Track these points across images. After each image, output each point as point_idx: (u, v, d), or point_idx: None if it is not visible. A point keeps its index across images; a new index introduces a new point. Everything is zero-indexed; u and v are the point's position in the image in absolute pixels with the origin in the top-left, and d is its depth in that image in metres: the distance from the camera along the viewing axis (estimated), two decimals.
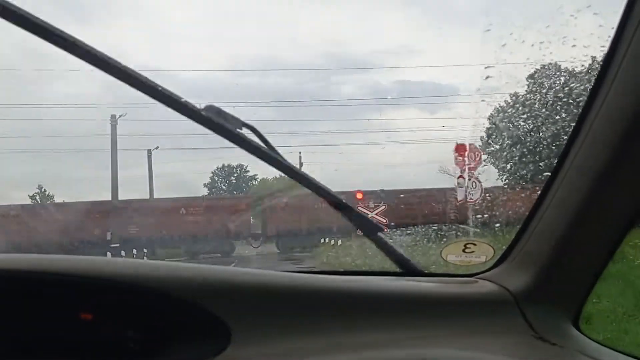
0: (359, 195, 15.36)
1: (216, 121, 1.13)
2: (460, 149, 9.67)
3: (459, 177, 9.57)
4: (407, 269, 1.32)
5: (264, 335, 1.05)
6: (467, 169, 9.52)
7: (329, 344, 1.06)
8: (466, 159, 9.54)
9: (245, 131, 1.20)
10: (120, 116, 22.73)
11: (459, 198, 9.49)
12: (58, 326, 1.03)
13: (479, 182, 9.58)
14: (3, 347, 1.02)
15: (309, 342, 1.06)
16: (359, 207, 12.75)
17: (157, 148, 27.40)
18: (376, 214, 12.39)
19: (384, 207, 13.16)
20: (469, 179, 9.42)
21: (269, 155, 1.20)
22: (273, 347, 1.04)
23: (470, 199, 9.32)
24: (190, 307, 1.04)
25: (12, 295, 1.03)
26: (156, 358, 1.03)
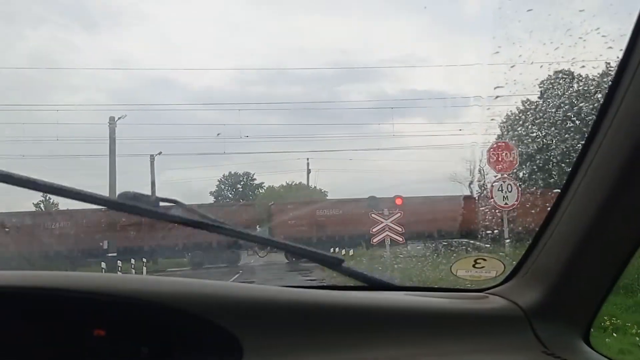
0: (399, 201, 14.78)
1: (133, 204, 1.17)
2: (496, 149, 9.01)
3: (495, 181, 8.88)
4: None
5: (275, 351, 1.06)
6: (502, 170, 8.86)
7: None
8: (502, 159, 8.93)
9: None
10: (119, 118, 21.54)
11: (498, 202, 8.71)
12: (72, 342, 1.04)
13: (515, 185, 8.93)
14: None
15: (319, 358, 1.06)
16: (373, 215, 12.25)
17: (160, 153, 25.95)
18: (392, 222, 12.00)
19: (399, 214, 12.46)
20: (504, 182, 8.81)
21: (195, 221, 1.22)
22: None
23: (506, 204, 8.67)
24: (203, 323, 1.05)
25: (25, 312, 1.04)
26: None
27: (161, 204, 1.19)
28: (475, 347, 1.14)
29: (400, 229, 12.00)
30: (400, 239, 11.90)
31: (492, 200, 8.74)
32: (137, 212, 1.18)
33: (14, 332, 1.03)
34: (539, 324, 1.17)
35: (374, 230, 12.11)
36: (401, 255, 10.74)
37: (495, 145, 9.22)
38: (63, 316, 1.05)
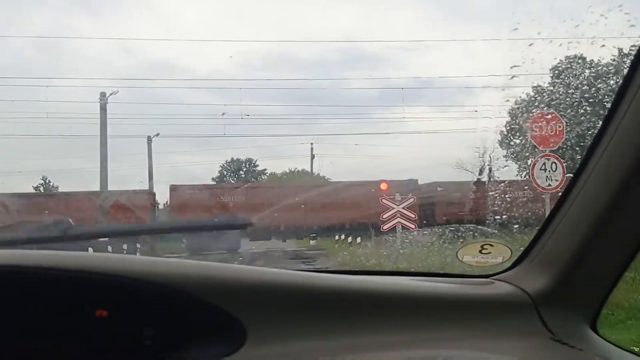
0: (384, 186, 13.87)
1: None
2: (539, 119, 7.43)
3: (543, 156, 7.29)
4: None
5: (279, 334, 1.05)
6: (546, 145, 7.29)
7: (343, 344, 1.07)
8: (546, 131, 7.29)
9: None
10: (111, 94, 19.44)
11: (541, 184, 7.19)
12: (74, 323, 1.04)
13: (560, 163, 7.29)
14: (20, 343, 1.03)
15: (323, 342, 1.06)
16: (384, 200, 11.66)
17: (157, 135, 23.70)
18: (404, 208, 11.47)
19: (412, 200, 11.92)
20: (547, 160, 7.23)
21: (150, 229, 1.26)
22: (287, 347, 1.04)
23: (549, 185, 7.10)
24: (206, 305, 1.05)
25: (27, 291, 1.04)
26: (172, 355, 1.04)
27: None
28: (481, 333, 1.14)
29: (412, 215, 11.56)
30: (412, 226, 11.33)
31: (533, 181, 7.30)
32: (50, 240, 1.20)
33: (16, 311, 1.03)
34: (546, 310, 1.16)
35: (384, 216, 11.64)
36: (407, 241, 10.69)
37: (538, 115, 7.70)
38: (65, 296, 1.05)
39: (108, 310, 1.04)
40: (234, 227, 1.34)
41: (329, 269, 1.44)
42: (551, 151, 7.38)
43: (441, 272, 1.37)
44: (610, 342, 1.16)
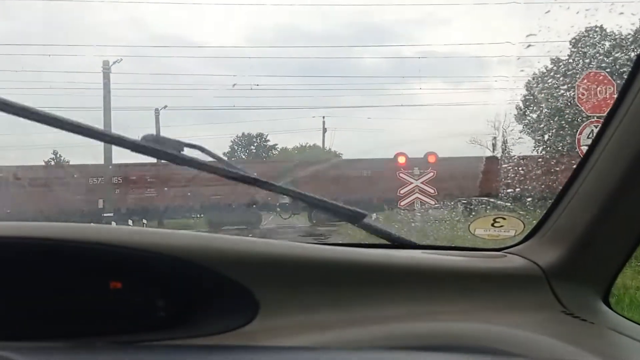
0: (402, 160, 12.99)
1: (156, 148, 1.16)
2: (588, 80, 6.62)
3: (591, 122, 6.51)
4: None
5: (291, 306, 1.06)
6: (594, 111, 6.50)
7: (355, 317, 1.07)
8: (595, 95, 6.53)
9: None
10: (114, 62, 18.50)
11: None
12: (88, 294, 1.05)
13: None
14: (33, 315, 1.04)
15: (335, 314, 1.07)
16: (401, 174, 11.14)
17: (165, 107, 23.12)
18: (422, 182, 10.92)
19: (431, 174, 11.15)
20: (596, 127, 5.66)
21: (220, 169, 1.21)
22: (300, 319, 1.05)
23: None
24: (219, 277, 1.05)
25: (40, 262, 1.05)
26: (185, 327, 1.05)
27: (185, 149, 1.18)
28: (493, 306, 1.14)
29: (432, 191, 10.90)
30: (432, 202, 10.73)
31: (580, 151, 6.57)
32: (161, 156, 1.17)
33: (29, 283, 1.04)
34: (558, 284, 1.16)
35: (402, 192, 11.05)
36: (418, 214, 10.55)
37: (587, 76, 6.83)
38: (79, 268, 1.06)
39: (122, 282, 1.05)
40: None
41: (339, 242, 1.45)
42: (599, 117, 6.51)
43: (454, 245, 1.37)
44: (622, 315, 1.16)
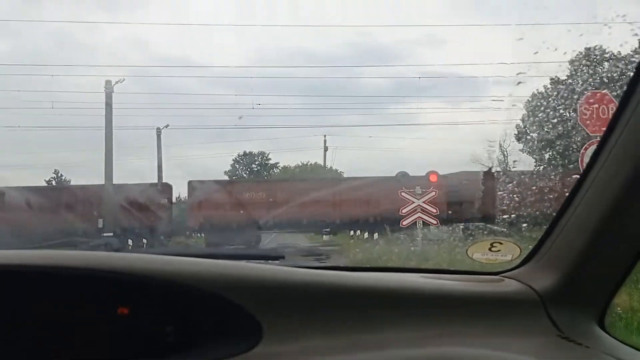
0: (433, 178, 12.96)
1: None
2: (590, 101, 6.43)
3: (591, 143, 6.32)
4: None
5: (295, 332, 1.08)
6: (597, 131, 6.32)
7: (355, 341, 1.09)
8: (598, 115, 6.37)
9: None
10: (117, 82, 18.46)
11: None
12: (96, 320, 1.07)
13: None
14: (41, 342, 1.06)
15: (337, 339, 1.09)
16: (403, 193, 10.95)
17: (167, 126, 23.18)
18: (424, 202, 10.76)
19: (433, 193, 11.02)
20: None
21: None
22: (303, 344, 1.06)
23: None
24: (224, 303, 1.07)
25: (49, 290, 1.08)
26: (191, 352, 1.06)
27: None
28: (489, 330, 1.15)
29: (434, 210, 10.73)
30: (434, 222, 10.61)
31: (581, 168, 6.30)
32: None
33: (39, 310, 1.06)
34: (554, 308, 1.17)
35: (403, 211, 10.89)
36: (417, 238, 10.41)
37: (589, 96, 6.84)
38: (87, 295, 1.08)
39: (129, 308, 1.07)
40: (269, 258, 1.39)
41: (341, 266, 1.49)
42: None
43: (452, 269, 1.40)
44: (617, 339, 1.16)
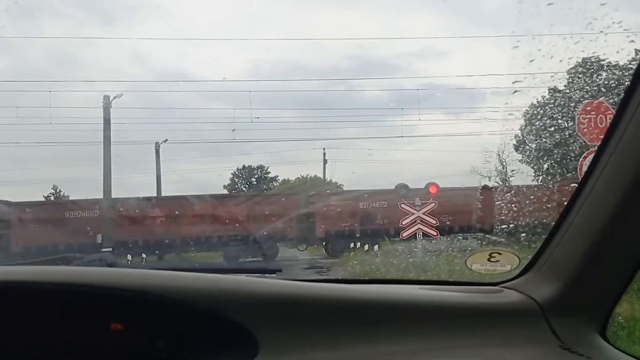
0: (433, 190, 12.94)
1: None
2: (587, 110, 6.54)
3: (590, 153, 6.28)
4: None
5: (291, 346, 1.06)
6: (595, 140, 6.34)
7: (354, 355, 1.08)
8: (596, 125, 6.42)
9: None
10: (114, 97, 18.49)
11: None
12: (89, 336, 1.06)
13: None
14: (37, 357, 1.05)
15: (334, 353, 1.07)
16: (403, 205, 11.05)
17: (165, 141, 23.04)
18: (424, 213, 10.82)
19: (433, 204, 11.07)
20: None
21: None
22: (299, 358, 1.05)
23: None
24: (219, 318, 1.06)
25: (44, 306, 1.07)
26: None
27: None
28: (490, 341, 1.14)
29: (433, 221, 10.80)
30: (434, 233, 10.68)
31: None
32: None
33: (33, 326, 1.06)
34: (555, 319, 1.17)
35: (403, 222, 10.96)
36: (415, 250, 10.44)
37: (586, 104, 6.86)
38: (81, 310, 1.07)
39: (123, 324, 1.06)
40: (264, 272, 1.40)
41: (339, 279, 1.47)
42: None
43: (451, 280, 1.39)
44: (620, 350, 1.15)
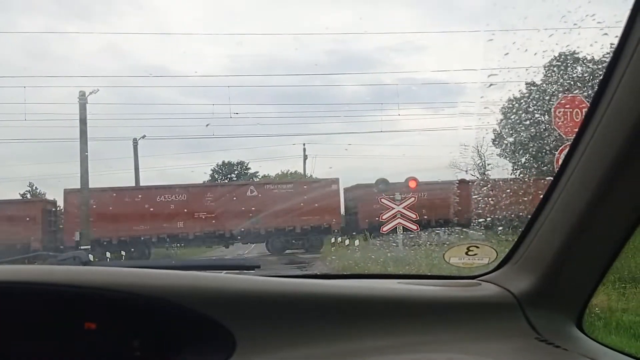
0: (413, 184, 13.04)
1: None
2: (564, 104, 6.63)
3: (562, 149, 6.45)
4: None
5: (269, 343, 1.05)
6: (571, 134, 6.27)
7: (333, 351, 1.07)
8: (572, 118, 6.51)
9: None
10: (90, 93, 18.02)
11: None
12: (63, 336, 1.04)
13: None
14: (10, 357, 1.02)
15: (313, 349, 1.07)
16: (383, 200, 11.18)
17: (144, 137, 22.60)
18: (404, 208, 10.92)
19: (412, 199, 11.20)
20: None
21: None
22: (278, 355, 1.04)
23: None
24: (195, 315, 1.05)
25: (15, 306, 1.04)
26: None
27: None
28: (468, 334, 1.15)
29: (413, 216, 10.97)
30: (414, 227, 10.84)
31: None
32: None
33: (5, 326, 1.03)
34: (532, 311, 1.17)
35: (384, 217, 11.11)
36: (394, 244, 10.52)
37: (562, 101, 6.94)
38: (53, 310, 1.04)
39: (96, 323, 1.04)
40: (244, 268, 1.39)
41: (317, 274, 1.45)
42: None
43: (429, 274, 1.39)
44: (596, 341, 1.17)
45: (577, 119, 6.60)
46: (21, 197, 27.13)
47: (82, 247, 15.65)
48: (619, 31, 0.94)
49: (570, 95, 7.10)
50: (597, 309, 4.40)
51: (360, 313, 1.14)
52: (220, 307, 1.06)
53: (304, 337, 1.08)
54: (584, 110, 6.30)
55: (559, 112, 6.83)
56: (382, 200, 11.38)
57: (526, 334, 1.15)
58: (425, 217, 15.36)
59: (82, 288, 1.04)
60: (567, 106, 6.80)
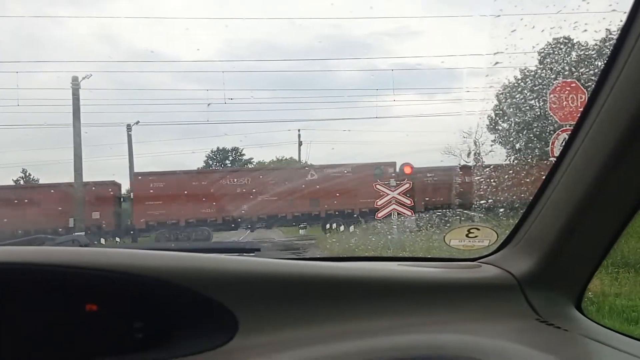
0: (408, 170, 13.28)
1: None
2: (560, 89, 6.52)
3: (563, 131, 6.38)
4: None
5: (271, 324, 1.06)
6: (566, 119, 6.33)
7: (334, 332, 1.07)
8: (567, 103, 6.42)
9: None
10: (83, 78, 17.77)
11: None
12: (64, 318, 1.04)
13: None
14: (10, 339, 1.02)
15: (314, 330, 1.07)
16: (377, 186, 11.14)
17: (137, 123, 21.82)
18: (399, 194, 10.87)
19: (407, 185, 11.20)
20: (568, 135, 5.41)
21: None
22: (280, 336, 1.05)
23: None
24: (197, 297, 1.05)
25: (16, 287, 1.04)
26: (163, 348, 1.04)
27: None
28: (468, 316, 1.15)
29: (408, 202, 10.93)
30: (409, 213, 10.80)
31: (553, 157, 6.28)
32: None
33: (5, 307, 1.02)
34: (532, 292, 1.18)
35: (378, 203, 11.02)
36: (394, 227, 10.56)
37: (559, 86, 6.80)
38: (54, 291, 1.04)
39: (98, 304, 1.03)
40: (244, 251, 1.38)
41: (317, 257, 1.45)
42: (571, 125, 6.63)
43: (429, 256, 1.39)
44: (595, 321, 1.18)
45: (574, 103, 6.50)
46: (15, 183, 26.65)
47: (76, 233, 15.65)
48: (627, 6, 0.91)
49: (566, 81, 6.96)
50: (590, 293, 4.43)
51: (361, 294, 1.14)
52: (222, 289, 1.06)
53: (306, 318, 1.08)
54: (580, 94, 6.50)
55: (554, 98, 6.76)
56: (377, 186, 11.36)
57: (526, 315, 1.16)
58: (422, 203, 15.42)
59: (82, 269, 1.04)
60: (564, 91, 6.71)
